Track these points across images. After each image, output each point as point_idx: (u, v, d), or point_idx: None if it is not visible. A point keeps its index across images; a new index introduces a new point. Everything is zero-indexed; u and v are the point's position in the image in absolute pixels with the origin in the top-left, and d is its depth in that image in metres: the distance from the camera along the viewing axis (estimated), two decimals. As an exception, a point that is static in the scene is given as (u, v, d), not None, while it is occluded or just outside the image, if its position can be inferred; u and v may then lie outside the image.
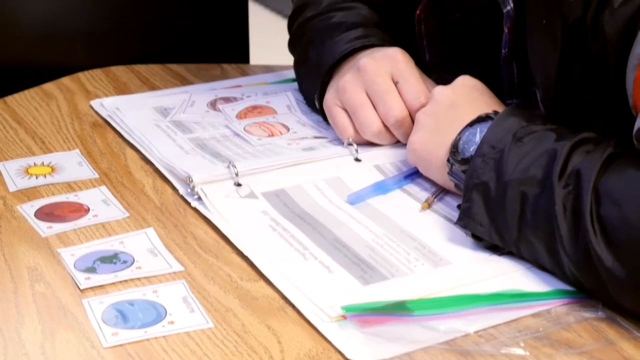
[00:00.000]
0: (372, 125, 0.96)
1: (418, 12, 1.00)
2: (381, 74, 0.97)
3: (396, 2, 1.05)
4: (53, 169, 0.99)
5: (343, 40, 1.02)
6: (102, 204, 0.93)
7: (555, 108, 0.87)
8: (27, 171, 0.99)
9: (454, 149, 0.87)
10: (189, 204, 0.93)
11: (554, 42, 0.84)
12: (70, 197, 0.95)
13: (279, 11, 3.65)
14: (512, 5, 0.90)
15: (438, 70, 1.02)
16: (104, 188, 0.96)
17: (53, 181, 0.97)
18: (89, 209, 0.92)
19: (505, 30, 0.92)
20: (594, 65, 0.83)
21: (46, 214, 0.92)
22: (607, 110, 0.85)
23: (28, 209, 0.92)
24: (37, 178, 0.97)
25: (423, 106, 0.94)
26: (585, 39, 0.82)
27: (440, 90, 0.92)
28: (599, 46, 0.81)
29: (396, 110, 0.95)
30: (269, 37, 2.42)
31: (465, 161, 0.86)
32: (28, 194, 0.95)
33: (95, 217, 0.91)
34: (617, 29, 0.79)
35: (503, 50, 0.93)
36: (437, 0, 0.99)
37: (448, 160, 0.88)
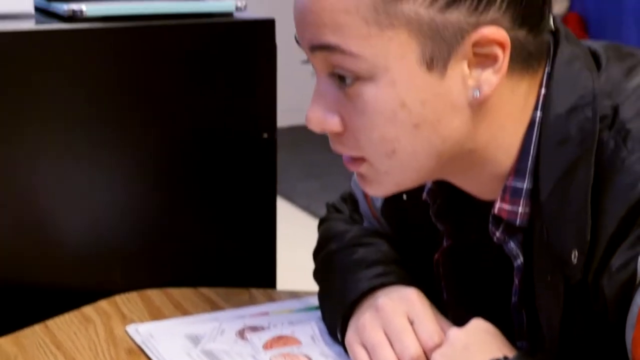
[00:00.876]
0: None
1: (436, 256, 1.07)
2: (398, 314, 1.03)
3: (415, 243, 1.13)
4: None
5: (364, 278, 1.10)
6: None
7: (560, 357, 0.93)
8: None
9: None
10: None
11: (557, 298, 0.91)
12: None
13: (304, 207, 3.77)
14: (522, 259, 0.97)
15: (455, 309, 1.08)
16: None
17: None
18: None
19: (516, 281, 0.99)
20: (597, 322, 0.89)
21: None
22: None
23: None
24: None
25: (437, 346, 1.00)
26: (588, 298, 0.89)
27: (454, 332, 0.99)
28: (600, 306, 0.88)
29: (411, 349, 1.01)
30: (294, 232, 2.51)
31: None
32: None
33: None
34: (616, 292, 0.86)
35: (513, 298, 1.00)
36: (454, 247, 1.06)
37: None
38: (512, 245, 0.97)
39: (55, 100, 1.29)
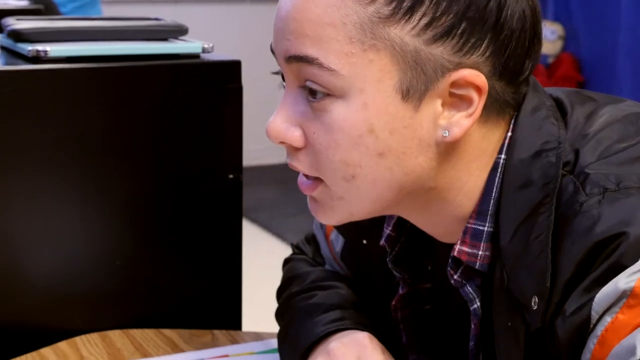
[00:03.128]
0: None
1: (394, 302, 1.06)
2: (348, 358, 1.03)
3: (374, 287, 1.12)
4: None
5: (320, 322, 1.09)
6: None
7: None
8: None
9: None
10: None
11: (517, 343, 0.90)
12: None
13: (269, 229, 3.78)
14: (478, 304, 0.96)
15: (414, 353, 1.08)
16: None
17: None
18: None
19: (472, 325, 0.97)
20: None
21: None
22: None
23: None
24: None
25: None
26: (545, 342, 0.88)
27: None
28: (556, 349, 0.87)
29: None
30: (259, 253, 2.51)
31: None
32: None
33: None
34: (569, 335, 0.85)
35: (470, 343, 0.99)
36: (410, 293, 1.06)
37: None
38: (469, 289, 0.96)
39: (22, 141, 1.28)
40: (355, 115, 0.88)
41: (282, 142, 0.92)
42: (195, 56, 1.39)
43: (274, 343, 1.25)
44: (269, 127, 0.92)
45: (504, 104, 0.92)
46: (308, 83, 0.89)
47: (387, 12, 0.86)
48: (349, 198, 0.92)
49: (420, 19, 0.86)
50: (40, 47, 1.30)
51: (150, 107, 1.35)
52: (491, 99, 0.90)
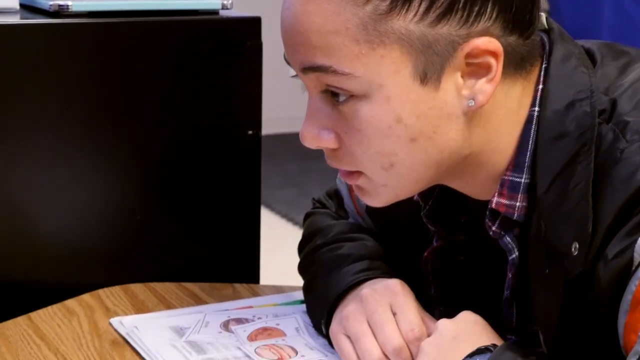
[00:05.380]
0: (372, 353, 1.02)
1: (426, 254, 1.08)
2: (381, 305, 1.04)
3: (400, 241, 1.14)
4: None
5: (350, 272, 1.11)
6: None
7: (557, 350, 0.94)
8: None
9: None
10: None
11: (555, 292, 0.92)
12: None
13: (283, 214, 3.79)
14: (517, 254, 0.98)
15: (442, 303, 1.09)
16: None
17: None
18: None
19: (509, 275, 0.99)
20: (592, 312, 0.90)
21: None
22: (603, 353, 0.92)
23: None
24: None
25: (417, 337, 1.01)
26: (584, 289, 0.90)
27: (444, 323, 1.00)
28: (596, 295, 0.89)
29: (394, 339, 1.02)
30: (274, 238, 2.52)
31: None
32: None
33: None
34: (610, 279, 0.87)
35: (505, 292, 1.01)
36: (443, 245, 1.07)
37: None
38: (507, 239, 0.98)
39: (40, 95, 1.29)
40: (380, 109, 0.90)
41: (318, 147, 0.95)
42: (215, 12, 1.39)
43: (296, 295, 1.27)
44: (303, 136, 0.95)
45: (521, 59, 0.93)
46: (329, 88, 0.91)
47: (385, 8, 0.88)
48: (391, 184, 0.95)
49: (419, 5, 0.87)
50: (61, 1, 1.30)
51: (169, 63, 1.36)
52: (508, 57, 0.91)
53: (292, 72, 0.95)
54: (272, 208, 3.81)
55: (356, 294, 1.08)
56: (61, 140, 1.30)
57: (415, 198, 1.05)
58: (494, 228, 0.97)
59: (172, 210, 1.39)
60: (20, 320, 1.21)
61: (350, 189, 1.21)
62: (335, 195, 1.27)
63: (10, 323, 1.20)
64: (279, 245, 2.53)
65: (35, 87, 1.28)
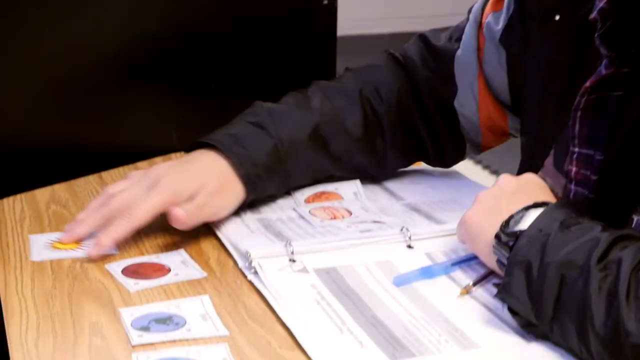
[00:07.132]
0: None
1: (588, 84, 0.98)
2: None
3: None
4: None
5: None
6: (181, 265, 1.03)
7: None
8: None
9: (505, 224, 0.92)
10: (245, 276, 0.99)
11: None
12: (153, 259, 1.04)
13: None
14: None
15: (581, 143, 1.00)
16: (182, 251, 1.05)
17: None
18: (170, 269, 1.02)
19: None
20: None
21: (132, 272, 1.01)
22: None
23: (115, 268, 1.02)
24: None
25: None
26: None
27: (506, 177, 0.98)
28: None
29: None
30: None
31: (512, 234, 0.90)
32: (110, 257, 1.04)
33: (177, 275, 1.00)
34: None
35: None
36: (609, 76, 0.98)
37: (496, 235, 0.92)
38: None
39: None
40: None
41: None
42: None
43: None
44: None
45: None
46: None
47: None
48: None
49: None
50: None
51: None
52: None
53: None
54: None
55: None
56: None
57: (592, 16, 0.96)
58: None
59: (252, 78, 1.39)
60: (91, 178, 1.24)
61: (483, 17, 1.17)
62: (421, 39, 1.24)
63: (81, 180, 1.24)
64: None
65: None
